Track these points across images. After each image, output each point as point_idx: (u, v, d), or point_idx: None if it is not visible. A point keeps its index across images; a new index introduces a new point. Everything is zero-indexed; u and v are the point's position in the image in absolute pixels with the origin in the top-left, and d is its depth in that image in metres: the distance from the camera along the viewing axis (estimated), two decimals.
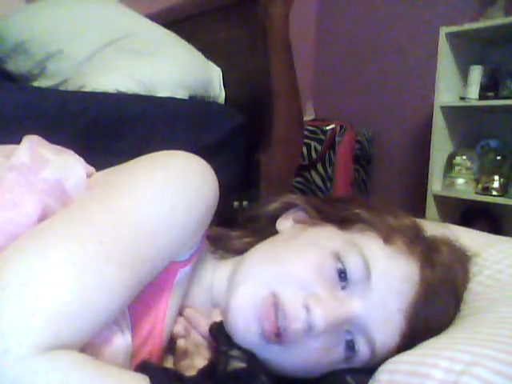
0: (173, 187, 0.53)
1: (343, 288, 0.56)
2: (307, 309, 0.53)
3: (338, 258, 0.56)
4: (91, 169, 0.61)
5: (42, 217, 0.51)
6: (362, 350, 0.56)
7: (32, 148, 0.57)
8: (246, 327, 0.54)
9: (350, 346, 0.56)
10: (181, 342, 0.58)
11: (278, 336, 0.53)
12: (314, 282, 0.55)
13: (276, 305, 0.53)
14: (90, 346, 0.45)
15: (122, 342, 0.50)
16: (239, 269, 0.59)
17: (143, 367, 0.49)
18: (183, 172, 0.54)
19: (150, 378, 0.46)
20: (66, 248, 0.45)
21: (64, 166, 0.57)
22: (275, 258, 0.58)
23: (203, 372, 0.55)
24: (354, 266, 0.55)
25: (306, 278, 0.55)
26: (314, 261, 0.56)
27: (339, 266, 0.56)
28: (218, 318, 0.58)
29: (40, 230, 0.47)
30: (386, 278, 0.55)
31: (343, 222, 0.61)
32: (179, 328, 0.59)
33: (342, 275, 0.56)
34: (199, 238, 0.59)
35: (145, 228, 0.49)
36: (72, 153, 0.61)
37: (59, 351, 0.41)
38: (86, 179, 0.58)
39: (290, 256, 0.57)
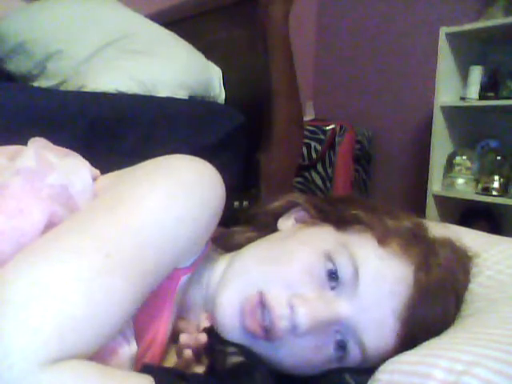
0: (179, 197, 0.52)
1: (332, 289, 0.56)
2: (291, 308, 0.53)
3: (327, 258, 0.56)
4: (96, 171, 0.60)
5: (49, 224, 0.50)
6: (352, 351, 0.56)
7: (37, 152, 0.57)
8: (230, 324, 0.55)
9: (342, 346, 0.56)
10: (187, 353, 0.57)
11: (265, 333, 0.53)
12: (302, 281, 0.55)
13: (262, 303, 0.54)
14: (95, 357, 0.45)
15: (127, 351, 0.50)
16: (230, 266, 0.59)
17: (146, 369, 0.49)
18: (189, 180, 0.53)
19: (155, 378, 0.46)
20: (72, 262, 0.44)
21: (70, 170, 0.57)
22: (266, 257, 0.58)
23: (205, 372, 0.55)
24: (342, 267, 0.55)
25: (294, 277, 0.55)
26: (303, 260, 0.56)
27: (328, 266, 0.56)
28: (204, 324, 0.58)
29: (46, 243, 0.47)
30: (378, 279, 0.55)
31: (341, 222, 0.61)
32: (186, 338, 0.58)
33: (333, 276, 0.56)
34: (204, 244, 0.58)
35: (150, 240, 0.49)
36: (77, 155, 0.61)
37: (63, 363, 0.41)
38: (92, 183, 0.57)
39: (281, 255, 0.57)
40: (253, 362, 0.54)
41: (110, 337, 0.46)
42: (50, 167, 0.56)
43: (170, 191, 0.52)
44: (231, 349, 0.54)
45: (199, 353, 0.59)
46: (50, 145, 0.61)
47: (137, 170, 0.57)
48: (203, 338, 0.57)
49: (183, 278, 0.57)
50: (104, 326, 0.44)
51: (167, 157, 0.57)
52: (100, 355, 0.46)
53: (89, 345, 0.43)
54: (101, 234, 0.47)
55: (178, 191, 0.52)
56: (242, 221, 0.68)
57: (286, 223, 0.65)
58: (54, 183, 0.54)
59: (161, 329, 0.57)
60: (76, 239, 0.46)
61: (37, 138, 0.60)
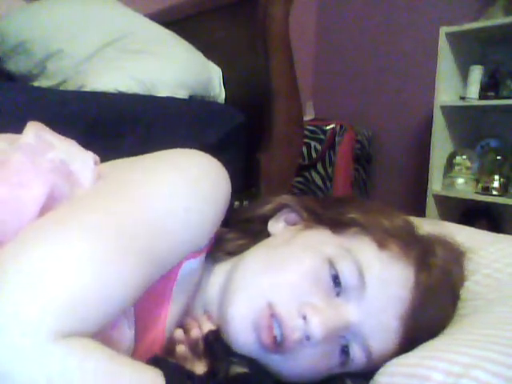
0: (187, 188, 0.53)
1: (338, 294, 0.55)
2: (304, 318, 0.53)
3: (332, 263, 0.55)
4: (96, 157, 0.60)
5: (50, 196, 0.50)
6: (357, 356, 0.56)
7: (37, 132, 0.57)
8: (244, 339, 0.54)
9: (345, 351, 0.56)
10: (181, 348, 0.57)
11: (277, 346, 0.53)
12: (309, 289, 0.55)
13: (273, 315, 0.53)
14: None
15: (126, 330, 0.50)
16: (233, 277, 0.58)
17: (155, 361, 0.49)
18: (197, 172, 0.54)
19: (164, 372, 0.45)
20: (88, 238, 0.45)
21: (69, 150, 0.57)
22: (269, 266, 0.57)
23: (208, 375, 0.55)
24: (348, 272, 0.55)
25: (301, 286, 0.55)
26: (307, 267, 0.56)
27: (333, 272, 0.55)
28: (206, 326, 0.58)
29: (61, 216, 0.47)
30: (382, 284, 0.55)
31: (337, 225, 0.60)
32: (179, 333, 0.58)
33: (337, 281, 0.55)
34: (209, 237, 0.58)
35: (160, 225, 0.50)
36: (75, 142, 0.61)
37: (74, 338, 0.41)
38: (94, 166, 0.57)
39: (284, 263, 0.57)
40: (257, 374, 0.53)
41: (117, 315, 0.47)
42: (50, 146, 0.56)
43: (179, 184, 0.53)
44: (235, 358, 0.54)
45: (196, 350, 0.58)
46: (49, 129, 0.61)
47: (146, 159, 0.58)
48: (195, 333, 0.57)
49: (186, 264, 0.56)
50: (113, 302, 0.45)
51: (174, 150, 0.58)
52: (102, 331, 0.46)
53: (97, 321, 0.44)
54: (115, 214, 0.48)
55: (186, 185, 0.53)
56: (233, 225, 0.66)
57: (276, 226, 0.64)
58: (55, 158, 0.54)
59: (162, 315, 0.56)
60: (92, 216, 0.47)
61: (35, 122, 0.60)
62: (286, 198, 0.66)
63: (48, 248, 0.43)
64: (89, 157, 0.58)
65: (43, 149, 0.55)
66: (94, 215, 0.47)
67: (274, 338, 0.53)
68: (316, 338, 0.52)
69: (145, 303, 0.53)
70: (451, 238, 0.63)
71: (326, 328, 0.52)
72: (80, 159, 0.57)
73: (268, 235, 0.63)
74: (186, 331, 0.59)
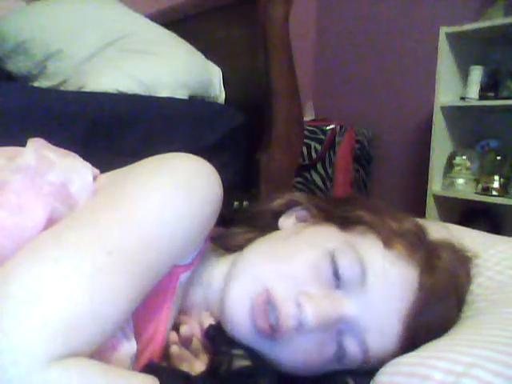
0: (178, 193, 0.53)
1: (338, 288, 0.56)
2: (299, 306, 0.53)
3: (333, 257, 0.56)
4: (96, 171, 0.61)
5: (50, 221, 0.50)
6: (353, 351, 0.56)
7: (37, 150, 0.57)
8: (240, 322, 0.55)
9: (342, 345, 0.56)
10: (174, 349, 0.58)
11: (271, 332, 0.53)
12: (308, 279, 0.55)
13: (269, 301, 0.54)
14: (96, 353, 0.45)
15: (127, 348, 0.50)
16: (236, 264, 0.59)
17: (151, 368, 0.49)
18: (188, 177, 0.54)
19: (159, 378, 0.46)
20: (76, 258, 0.44)
21: (69, 168, 0.57)
22: (271, 255, 0.58)
23: (207, 373, 0.55)
24: (349, 266, 0.55)
25: (301, 275, 0.55)
26: (309, 259, 0.56)
27: (334, 265, 0.56)
28: (207, 321, 0.59)
29: (48, 239, 0.47)
30: (383, 282, 0.55)
31: (344, 222, 0.61)
32: (172, 335, 0.59)
33: (338, 275, 0.56)
34: (202, 241, 0.59)
35: (151, 236, 0.49)
36: (77, 156, 0.61)
37: (68, 360, 0.41)
38: (93, 182, 0.57)
39: (286, 253, 0.57)
40: (259, 366, 0.54)
41: (112, 334, 0.47)
42: (50, 165, 0.56)
43: (169, 189, 0.52)
44: (237, 351, 0.54)
45: (190, 348, 0.59)
46: (49, 145, 0.61)
47: (136, 169, 0.58)
48: (185, 330, 0.58)
49: (182, 276, 0.58)
50: (106, 321, 0.45)
51: (166, 155, 0.58)
52: (100, 352, 0.46)
53: (92, 342, 0.43)
54: (103, 231, 0.47)
55: (177, 189, 0.53)
56: (240, 221, 0.68)
57: (287, 222, 0.65)
58: (54, 180, 0.54)
59: (160, 326, 0.57)
60: (78, 236, 0.47)
61: (36, 139, 0.60)
62: (296, 195, 0.67)
63: (36, 270, 0.43)
64: (88, 173, 0.58)
65: (43, 169, 0.55)
66: (81, 234, 0.47)
67: (270, 323, 0.53)
68: (308, 326, 0.52)
69: (143, 316, 0.54)
70: (458, 242, 0.64)
71: (318, 317, 0.53)
72: (80, 177, 0.56)
73: (276, 229, 0.64)
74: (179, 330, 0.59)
